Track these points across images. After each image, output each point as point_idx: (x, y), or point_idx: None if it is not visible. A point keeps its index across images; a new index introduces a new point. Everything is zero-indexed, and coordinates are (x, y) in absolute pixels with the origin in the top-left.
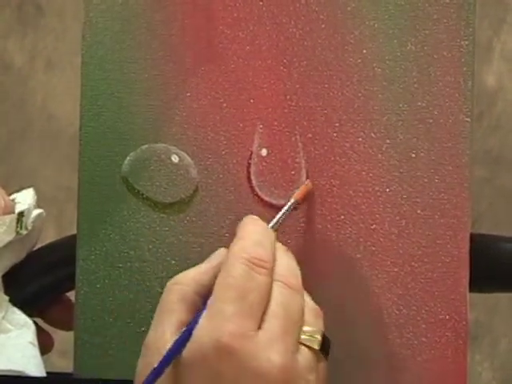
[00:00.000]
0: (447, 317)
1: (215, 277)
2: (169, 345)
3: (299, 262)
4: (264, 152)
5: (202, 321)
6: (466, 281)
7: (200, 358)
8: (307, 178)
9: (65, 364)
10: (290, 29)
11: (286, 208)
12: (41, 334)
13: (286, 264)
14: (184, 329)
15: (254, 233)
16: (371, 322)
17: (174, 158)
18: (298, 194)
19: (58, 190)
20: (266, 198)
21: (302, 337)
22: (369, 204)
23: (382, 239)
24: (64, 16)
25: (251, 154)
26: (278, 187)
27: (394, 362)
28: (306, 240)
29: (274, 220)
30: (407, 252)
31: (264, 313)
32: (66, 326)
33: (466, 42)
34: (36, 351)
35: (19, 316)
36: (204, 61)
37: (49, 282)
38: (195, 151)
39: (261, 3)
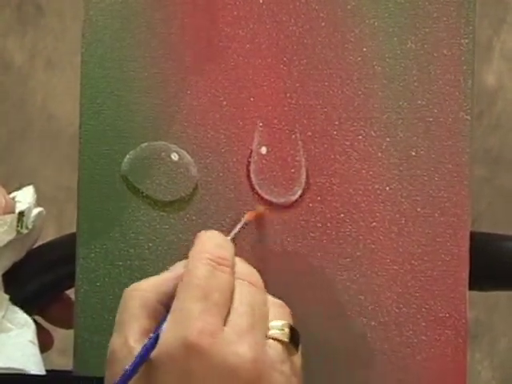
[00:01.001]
0: (447, 315)
1: (176, 286)
2: (135, 352)
3: (299, 260)
4: (264, 150)
5: (168, 323)
6: (465, 279)
7: (169, 359)
8: (307, 176)
9: (65, 362)
10: (290, 27)
11: (238, 226)
12: (41, 332)
13: (245, 266)
14: (151, 335)
15: (213, 237)
16: (371, 320)
17: (174, 156)
18: (249, 215)
19: (58, 189)
20: (266, 196)
21: (270, 332)
22: (369, 202)
23: (381, 237)
24: (64, 16)
25: (251, 152)
26: (277, 185)
27: (394, 360)
28: (305, 238)
29: (231, 234)
30: (407, 250)
31: (229, 310)
32: (65, 324)
33: (466, 41)
34: (36, 350)
35: (19, 315)
36: (204, 59)
37: (49, 281)
38: (195, 149)
39: (261, 1)
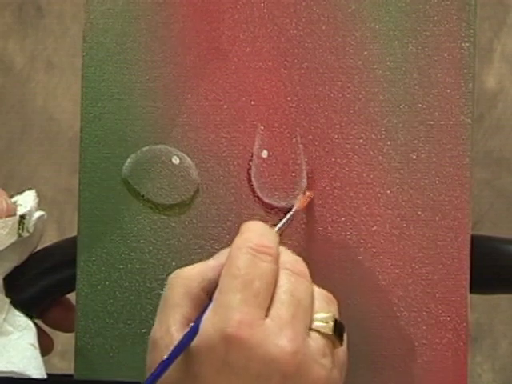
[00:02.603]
0: (448, 318)
1: (220, 274)
2: (176, 341)
3: None
4: (265, 154)
5: (208, 313)
6: (466, 282)
7: (208, 350)
8: (308, 179)
9: (65, 365)
10: (291, 30)
11: (289, 214)
12: (41, 335)
13: (291, 255)
14: (191, 324)
15: (256, 227)
16: (371, 323)
17: (175, 160)
18: (299, 204)
19: (58, 191)
20: (267, 200)
21: (315, 323)
22: (369, 206)
23: (382, 241)
24: (64, 17)
25: (252, 156)
26: (278, 189)
27: (395, 363)
28: (306, 242)
29: (278, 226)
30: (408, 254)
31: (271, 300)
32: (66, 327)
33: (467, 44)
34: (37, 353)
35: (20, 318)
36: (205, 62)
37: (49, 284)
38: (196, 153)
39: (261, 5)
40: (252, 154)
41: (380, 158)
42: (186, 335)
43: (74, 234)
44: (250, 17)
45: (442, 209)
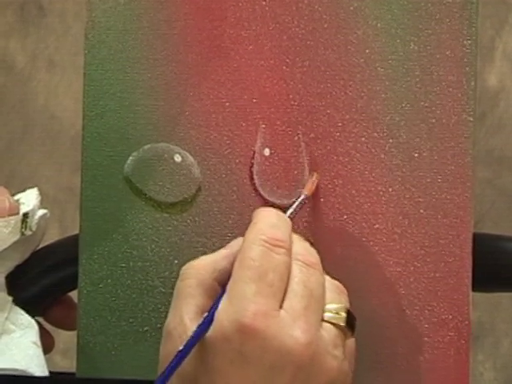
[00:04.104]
0: (450, 316)
1: (233, 263)
2: (190, 331)
3: None
4: (267, 152)
5: (223, 303)
6: (468, 280)
7: (223, 340)
8: (310, 177)
9: (68, 364)
10: (293, 28)
11: (299, 200)
12: (42, 334)
13: (303, 245)
14: (206, 314)
15: (268, 217)
16: (373, 321)
17: (177, 158)
18: (308, 189)
19: (59, 190)
20: (269, 198)
21: (327, 314)
22: (371, 204)
23: (384, 239)
24: (66, 16)
25: (254, 154)
26: (280, 187)
27: (397, 361)
28: (308, 240)
29: (289, 211)
30: (410, 252)
31: (285, 292)
32: (68, 325)
33: (469, 42)
34: (39, 351)
35: (23, 316)
36: (207, 60)
37: (51, 282)
38: (198, 151)
39: (264, 3)
40: (254, 152)
41: (382, 156)
42: (200, 325)
43: (76, 232)
44: (252, 15)
45: (443, 207)
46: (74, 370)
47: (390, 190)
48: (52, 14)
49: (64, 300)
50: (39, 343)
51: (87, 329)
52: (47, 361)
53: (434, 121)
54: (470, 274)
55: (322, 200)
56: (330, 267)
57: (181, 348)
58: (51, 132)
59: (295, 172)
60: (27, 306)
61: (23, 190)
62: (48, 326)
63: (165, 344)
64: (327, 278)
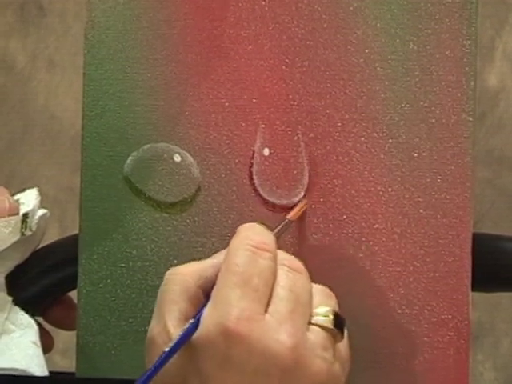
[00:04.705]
0: (449, 316)
1: (217, 273)
2: (174, 337)
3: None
4: (266, 151)
5: (208, 308)
6: (468, 280)
7: (209, 344)
8: (309, 177)
9: (67, 363)
10: (293, 28)
11: (282, 224)
12: (42, 333)
13: (286, 253)
14: (191, 320)
15: (253, 226)
16: (373, 321)
17: (177, 158)
18: (293, 214)
19: (60, 190)
20: (268, 198)
21: (314, 318)
22: (371, 203)
23: (384, 239)
24: (66, 16)
25: (253, 154)
26: (280, 187)
27: (396, 361)
28: (308, 240)
29: (274, 232)
30: (409, 252)
31: (270, 297)
32: (68, 325)
33: (469, 42)
34: (39, 351)
35: (22, 316)
36: (206, 60)
37: (51, 283)
38: (197, 151)
39: (263, 3)
40: (253, 151)
41: (381, 155)
42: (185, 329)
43: (76, 232)
44: (252, 15)
45: (443, 207)
46: (73, 369)
47: (390, 189)
48: (52, 13)
49: (64, 300)
50: (39, 343)
51: (87, 329)
52: (47, 360)
53: (433, 121)
54: (470, 274)
55: (321, 200)
56: (329, 267)
57: (165, 350)
58: (51, 132)
59: (295, 172)
60: (27, 306)
61: (23, 190)
62: (48, 326)
63: (149, 350)
64: (314, 284)
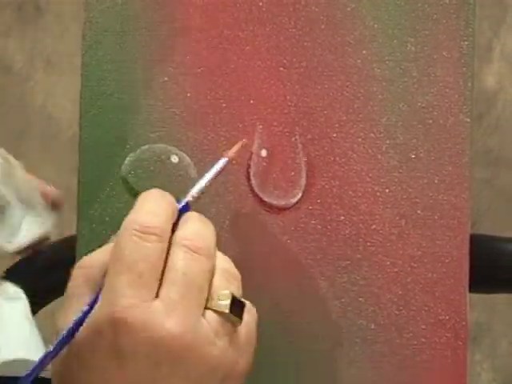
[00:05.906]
0: (447, 317)
1: None
2: (64, 328)
3: (299, 263)
4: (264, 153)
5: (100, 298)
6: (465, 281)
7: (96, 334)
8: (307, 178)
9: None
10: (290, 29)
11: (217, 167)
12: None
13: (193, 228)
14: (79, 313)
15: (147, 201)
16: (371, 322)
17: (174, 159)
18: (231, 152)
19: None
20: (266, 199)
21: (211, 302)
22: (368, 204)
23: (381, 240)
24: (63, 17)
25: (251, 155)
26: (277, 188)
27: (394, 362)
28: (305, 240)
29: (202, 182)
30: (407, 252)
31: (161, 280)
32: None
33: (466, 43)
34: (32, 326)
35: (8, 288)
36: (204, 61)
37: (48, 284)
38: (195, 152)
39: (260, 4)
40: (251, 152)
41: (379, 156)
42: (77, 319)
43: (74, 233)
44: (249, 16)
45: (441, 208)
46: None
47: (387, 190)
48: (49, 14)
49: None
50: (30, 315)
51: None
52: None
53: (431, 121)
54: (468, 275)
55: (318, 201)
56: (326, 267)
57: (50, 347)
58: (49, 132)
59: (292, 173)
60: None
61: None
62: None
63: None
64: (220, 263)
